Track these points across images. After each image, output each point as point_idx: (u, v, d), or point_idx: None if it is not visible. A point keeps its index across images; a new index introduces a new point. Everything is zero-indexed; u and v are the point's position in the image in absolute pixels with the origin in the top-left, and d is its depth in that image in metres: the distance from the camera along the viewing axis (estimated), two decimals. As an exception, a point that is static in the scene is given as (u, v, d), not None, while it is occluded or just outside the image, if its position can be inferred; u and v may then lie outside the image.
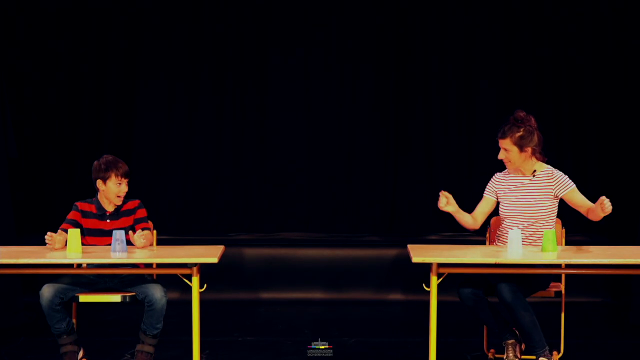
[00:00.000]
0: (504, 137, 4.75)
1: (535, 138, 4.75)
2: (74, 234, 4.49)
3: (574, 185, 4.79)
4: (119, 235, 4.47)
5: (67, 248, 4.49)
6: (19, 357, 5.31)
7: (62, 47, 7.49)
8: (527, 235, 4.75)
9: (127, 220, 4.82)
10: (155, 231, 4.96)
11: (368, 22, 7.58)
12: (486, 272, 4.61)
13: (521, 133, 4.71)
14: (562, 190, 4.76)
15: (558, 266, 4.54)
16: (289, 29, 7.59)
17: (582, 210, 4.76)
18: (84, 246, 4.64)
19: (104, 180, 4.77)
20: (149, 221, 4.86)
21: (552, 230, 4.57)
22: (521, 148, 4.73)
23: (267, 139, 7.66)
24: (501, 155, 4.80)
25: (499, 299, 4.58)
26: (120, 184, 4.77)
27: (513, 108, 7.13)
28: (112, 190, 4.77)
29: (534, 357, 4.70)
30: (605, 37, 7.44)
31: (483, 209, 4.90)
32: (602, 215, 4.56)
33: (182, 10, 7.55)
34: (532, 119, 4.77)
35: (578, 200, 4.77)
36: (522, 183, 4.81)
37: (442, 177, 7.63)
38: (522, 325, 4.56)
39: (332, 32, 7.60)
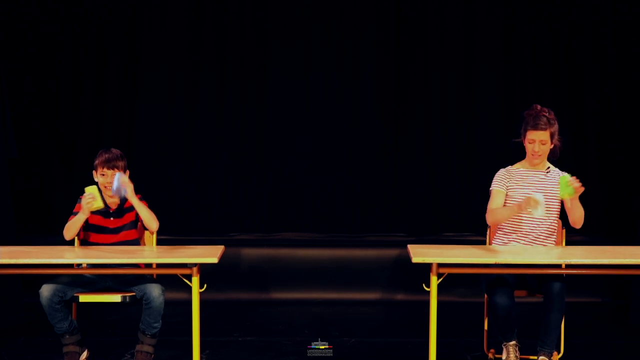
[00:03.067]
0: (548, 127, 4.73)
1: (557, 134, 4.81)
2: (93, 190, 4.58)
3: None
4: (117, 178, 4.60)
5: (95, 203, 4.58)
6: (19, 357, 5.30)
7: (62, 47, 7.49)
8: (537, 232, 4.74)
9: (130, 216, 4.82)
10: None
11: (368, 22, 7.57)
12: (486, 272, 4.61)
13: (557, 126, 4.76)
14: None
15: (558, 266, 4.54)
16: (289, 26, 7.58)
17: (568, 212, 4.77)
18: (85, 246, 4.65)
19: (95, 170, 4.78)
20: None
21: (566, 175, 4.58)
22: (552, 141, 4.77)
23: (267, 139, 7.65)
24: (539, 148, 4.76)
25: (547, 293, 4.53)
26: (103, 174, 4.76)
27: (513, 107, 7.16)
28: (99, 182, 4.77)
29: (532, 357, 4.70)
30: (605, 36, 7.44)
31: (502, 203, 4.82)
32: (573, 200, 4.58)
33: (182, 8, 7.54)
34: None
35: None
36: (537, 177, 4.81)
37: (442, 177, 7.63)
38: (550, 321, 4.53)
39: (332, 31, 7.60)
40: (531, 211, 4.52)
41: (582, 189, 4.57)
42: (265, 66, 7.62)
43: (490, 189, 4.89)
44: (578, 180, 4.55)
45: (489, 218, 4.83)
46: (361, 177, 7.65)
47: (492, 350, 4.99)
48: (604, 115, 7.48)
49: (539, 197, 4.49)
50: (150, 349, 4.68)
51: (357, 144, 7.64)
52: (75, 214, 4.75)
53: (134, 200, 4.69)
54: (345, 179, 7.66)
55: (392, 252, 7.07)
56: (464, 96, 7.60)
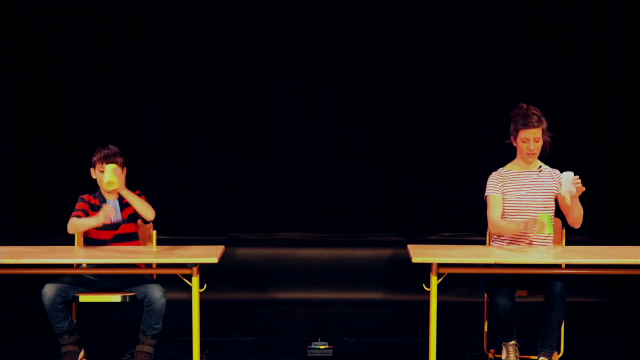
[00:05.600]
0: (540, 125, 4.72)
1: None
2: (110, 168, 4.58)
3: None
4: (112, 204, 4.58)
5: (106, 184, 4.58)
6: (19, 357, 5.30)
7: (62, 46, 7.49)
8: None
9: (129, 210, 4.80)
10: (155, 231, 4.96)
11: (368, 21, 7.57)
12: (486, 272, 4.61)
13: (546, 122, 4.77)
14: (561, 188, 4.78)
15: (558, 266, 4.54)
16: (289, 26, 7.59)
17: (566, 212, 4.77)
18: (85, 246, 4.64)
19: (94, 167, 4.76)
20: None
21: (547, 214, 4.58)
22: (543, 138, 4.77)
23: (267, 139, 7.66)
24: (534, 146, 4.74)
25: (548, 293, 4.52)
26: (102, 171, 4.74)
27: (513, 107, 7.17)
28: (99, 178, 4.75)
29: (533, 357, 4.69)
30: (605, 36, 7.44)
31: (501, 209, 4.80)
32: (572, 200, 4.58)
33: (182, 7, 7.54)
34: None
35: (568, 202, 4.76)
36: (531, 178, 4.80)
37: (442, 177, 7.63)
38: (551, 321, 4.52)
39: (332, 31, 7.60)
40: (537, 231, 4.55)
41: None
42: (265, 66, 7.62)
43: (486, 195, 4.85)
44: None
45: (493, 229, 4.80)
46: (361, 177, 7.65)
47: (492, 350, 4.99)
48: (604, 115, 7.48)
49: (545, 217, 4.49)
50: (150, 350, 4.67)
51: (357, 144, 7.64)
52: (79, 210, 4.73)
53: (124, 192, 4.67)
54: (345, 179, 7.66)
55: (392, 252, 7.07)
56: (464, 95, 7.60)
